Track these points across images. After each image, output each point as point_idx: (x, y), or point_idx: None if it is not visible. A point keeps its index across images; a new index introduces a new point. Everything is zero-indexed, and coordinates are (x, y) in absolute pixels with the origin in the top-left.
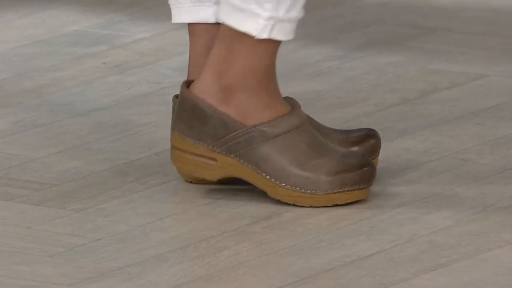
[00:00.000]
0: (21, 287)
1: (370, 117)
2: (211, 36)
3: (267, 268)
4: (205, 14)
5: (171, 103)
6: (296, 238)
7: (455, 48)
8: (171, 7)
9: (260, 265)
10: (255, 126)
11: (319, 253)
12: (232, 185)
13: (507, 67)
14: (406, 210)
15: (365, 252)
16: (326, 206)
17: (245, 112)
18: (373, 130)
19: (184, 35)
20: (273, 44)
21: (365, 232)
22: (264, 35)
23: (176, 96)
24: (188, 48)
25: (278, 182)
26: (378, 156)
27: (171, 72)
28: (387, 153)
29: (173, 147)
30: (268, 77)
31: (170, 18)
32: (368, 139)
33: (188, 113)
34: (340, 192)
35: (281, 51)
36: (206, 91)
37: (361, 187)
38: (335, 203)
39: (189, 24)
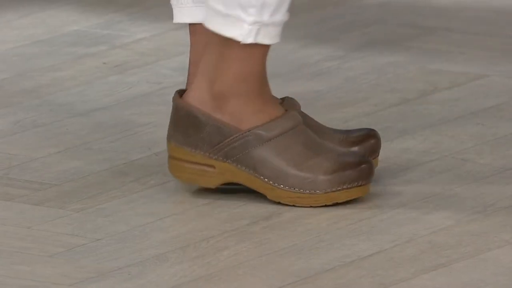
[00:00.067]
0: (21, 287)
1: (370, 117)
2: None
3: (267, 268)
4: None
5: (171, 103)
6: (296, 238)
7: (455, 48)
8: (173, 7)
9: (260, 265)
10: (250, 130)
11: (319, 253)
12: (232, 186)
13: (507, 67)
14: (406, 210)
15: (365, 252)
16: (326, 205)
17: (239, 117)
18: (373, 130)
19: (184, 35)
20: (261, 49)
21: (365, 232)
22: (250, 40)
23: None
24: (188, 48)
25: (276, 184)
26: (378, 156)
27: (171, 72)
28: (387, 153)
29: (170, 157)
30: (259, 82)
31: (170, 18)
32: (368, 139)
33: (183, 122)
34: (339, 190)
35: (281, 51)
36: (199, 100)
37: (359, 184)
38: (335, 201)
39: (190, 24)
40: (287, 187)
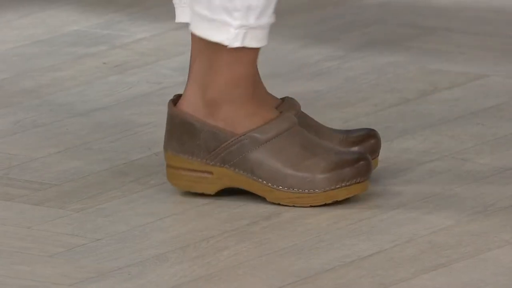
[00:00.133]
0: (21, 287)
1: (370, 117)
2: None
3: (267, 268)
4: None
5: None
6: (296, 238)
7: (455, 48)
8: (175, 6)
9: (260, 265)
10: (245, 134)
11: (319, 253)
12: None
13: (507, 67)
14: (406, 210)
15: (365, 252)
16: (326, 204)
17: (234, 122)
18: (373, 130)
19: (184, 35)
20: (250, 52)
21: (365, 232)
22: (237, 44)
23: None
24: (189, 48)
25: (275, 186)
26: (378, 156)
27: (171, 72)
28: (387, 153)
29: (168, 166)
30: (251, 86)
31: (170, 18)
32: (368, 139)
33: (178, 130)
34: (338, 188)
35: (281, 51)
36: (192, 107)
37: (358, 180)
38: (335, 199)
39: None
40: (285, 188)
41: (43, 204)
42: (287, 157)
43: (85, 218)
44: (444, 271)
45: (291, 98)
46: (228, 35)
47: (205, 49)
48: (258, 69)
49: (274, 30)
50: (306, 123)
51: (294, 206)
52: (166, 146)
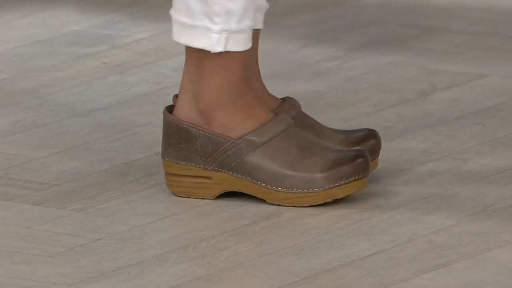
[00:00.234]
0: (21, 287)
1: (370, 117)
2: None
3: (267, 268)
4: None
5: (171, 103)
6: (296, 238)
7: (454, 48)
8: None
9: (260, 265)
10: (241, 137)
11: (319, 253)
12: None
13: (507, 67)
14: (406, 210)
15: (365, 252)
16: (325, 204)
17: (229, 127)
18: (373, 130)
19: None
20: (236, 56)
21: (365, 232)
22: (219, 49)
23: (176, 96)
24: None
25: (274, 187)
26: (378, 156)
27: (171, 72)
28: (387, 153)
29: (167, 174)
30: (243, 90)
31: (170, 18)
32: (368, 139)
33: (175, 137)
34: (337, 186)
35: (281, 51)
36: (187, 117)
37: (357, 177)
38: (334, 197)
39: None
40: (285, 189)
41: (43, 204)
42: (284, 158)
43: (85, 218)
44: (444, 271)
45: (292, 98)
46: (210, 40)
47: (192, 59)
48: (259, 69)
49: (274, 30)
50: (306, 123)
51: (294, 206)
52: (164, 154)
